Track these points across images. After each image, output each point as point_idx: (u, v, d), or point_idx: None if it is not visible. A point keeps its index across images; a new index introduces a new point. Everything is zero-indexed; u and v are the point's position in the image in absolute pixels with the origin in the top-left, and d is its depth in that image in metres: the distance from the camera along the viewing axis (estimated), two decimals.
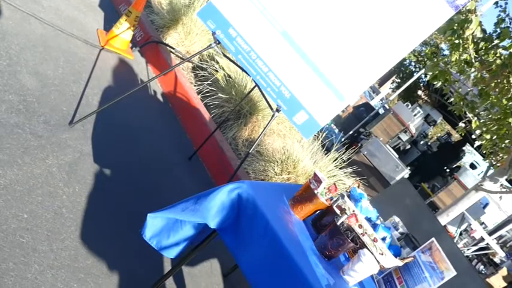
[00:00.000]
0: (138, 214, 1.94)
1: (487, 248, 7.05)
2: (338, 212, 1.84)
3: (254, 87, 3.42)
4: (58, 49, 3.11)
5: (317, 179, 1.84)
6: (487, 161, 5.29)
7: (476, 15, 4.01)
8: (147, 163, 3.03)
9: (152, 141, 3.35)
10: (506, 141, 4.45)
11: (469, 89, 5.05)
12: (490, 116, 4.55)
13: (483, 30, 4.21)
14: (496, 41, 4.23)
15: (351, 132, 9.54)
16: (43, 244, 1.82)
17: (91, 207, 2.22)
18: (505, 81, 4.14)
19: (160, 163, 3.21)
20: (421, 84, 12.17)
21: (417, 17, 2.32)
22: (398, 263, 1.83)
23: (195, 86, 4.44)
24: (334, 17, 2.37)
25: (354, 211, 1.84)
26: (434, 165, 9.78)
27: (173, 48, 4.50)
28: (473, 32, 4.10)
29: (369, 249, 1.77)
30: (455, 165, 10.06)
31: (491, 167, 5.24)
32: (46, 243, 1.83)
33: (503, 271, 6.93)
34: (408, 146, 9.83)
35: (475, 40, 4.30)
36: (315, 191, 1.82)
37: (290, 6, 2.39)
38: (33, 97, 2.48)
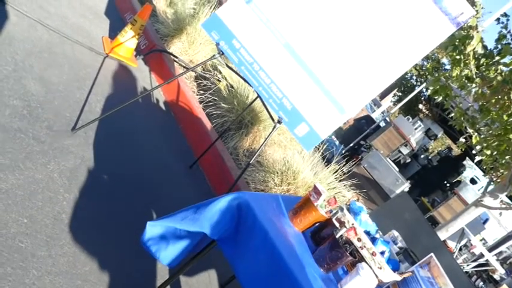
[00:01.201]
0: (137, 222, 1.94)
1: (486, 264, 7.00)
2: (337, 224, 1.85)
3: (256, 98, 3.45)
4: (63, 56, 3.14)
5: (317, 192, 1.85)
6: (487, 176, 5.29)
7: (477, 32, 4.04)
8: (148, 171, 3.04)
9: (154, 149, 3.36)
10: (507, 157, 4.46)
11: (469, 105, 5.08)
12: (490, 131, 4.57)
13: (484, 47, 4.24)
14: (497, 58, 4.26)
15: (351, 145, 9.55)
16: (42, 249, 1.82)
17: (91, 213, 2.23)
18: (505, 97, 4.16)
19: (161, 171, 3.22)
20: (422, 98, 12.21)
21: (419, 33, 2.35)
22: (397, 277, 1.82)
23: (197, 95, 4.46)
24: (337, 30, 2.40)
25: (353, 224, 1.84)
26: (434, 179, 9.77)
27: (177, 57, 4.54)
28: (475, 48, 4.13)
29: (367, 263, 1.77)
30: (455, 180, 10.05)
31: (492, 183, 5.24)
32: (45, 249, 1.84)
33: None
34: (408, 160, 9.83)
35: (476, 56, 4.33)
36: (315, 204, 1.82)
37: (293, 19, 2.42)
38: (37, 102, 2.50)
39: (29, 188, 2.01)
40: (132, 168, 2.89)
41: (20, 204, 1.90)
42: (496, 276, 7.26)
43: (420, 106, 12.40)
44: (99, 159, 2.59)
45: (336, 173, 4.20)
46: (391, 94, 17.55)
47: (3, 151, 2.04)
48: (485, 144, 4.61)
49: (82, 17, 3.93)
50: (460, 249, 7.45)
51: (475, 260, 7.21)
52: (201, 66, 4.78)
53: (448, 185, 9.83)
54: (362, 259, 1.80)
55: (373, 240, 1.92)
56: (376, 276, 1.74)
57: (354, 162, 5.20)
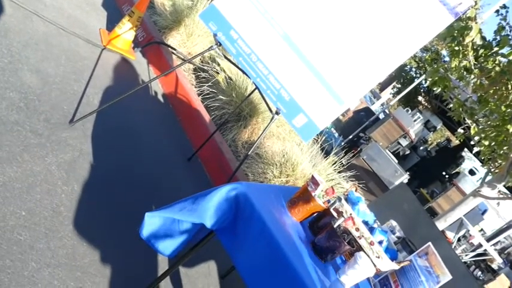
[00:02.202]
0: (136, 214, 1.94)
1: (485, 254, 7.05)
2: (335, 214, 1.85)
3: (254, 89, 3.44)
4: (60, 48, 3.12)
5: (315, 182, 1.85)
6: (486, 167, 5.31)
7: (476, 23, 4.03)
8: (147, 163, 3.04)
9: (152, 141, 3.36)
10: (505, 147, 4.47)
11: (468, 96, 5.08)
12: (488, 122, 4.57)
13: (483, 38, 4.23)
14: (495, 49, 4.25)
15: (350, 137, 9.55)
16: (41, 242, 1.82)
17: (89, 206, 2.23)
18: (503, 88, 4.16)
19: (160, 163, 3.21)
20: (422, 90, 12.19)
21: (417, 23, 2.34)
22: (395, 266, 1.83)
23: (196, 87, 4.45)
24: (335, 20, 2.39)
25: (351, 214, 1.85)
26: (433, 170, 9.80)
27: (175, 50, 4.51)
28: (473, 39, 4.12)
29: (365, 252, 1.78)
30: (454, 171, 10.07)
31: (490, 173, 5.25)
32: (44, 241, 1.84)
33: (501, 277, 6.93)
34: (408, 152, 9.84)
35: (475, 47, 4.32)
36: (313, 194, 1.82)
37: (291, 10, 2.40)
38: (34, 95, 2.49)
39: (27, 180, 2.01)
40: (130, 160, 2.89)
41: (18, 197, 1.90)
42: (494, 266, 7.30)
43: (419, 98, 12.39)
44: (97, 152, 2.59)
45: (335, 165, 4.20)
46: (391, 86, 17.54)
47: (0, 144, 2.03)
48: (483, 135, 4.62)
49: (78, 9, 3.90)
50: (459, 239, 7.49)
51: (473, 250, 7.25)
52: (199, 59, 4.76)
53: (447, 176, 9.86)
54: (360, 248, 1.81)
55: (371, 229, 1.93)
56: (374, 265, 1.74)
57: (353, 154, 5.20)
